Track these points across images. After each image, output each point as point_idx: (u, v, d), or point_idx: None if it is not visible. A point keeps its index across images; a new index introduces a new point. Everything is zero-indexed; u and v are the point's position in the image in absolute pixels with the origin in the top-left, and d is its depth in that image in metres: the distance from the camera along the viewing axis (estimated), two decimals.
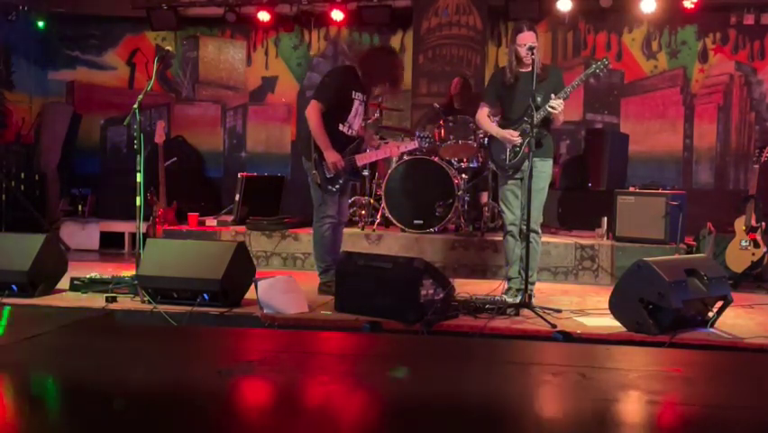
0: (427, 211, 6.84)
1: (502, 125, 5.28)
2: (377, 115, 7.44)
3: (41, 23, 9.86)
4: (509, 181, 5.25)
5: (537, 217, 5.17)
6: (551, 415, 2.83)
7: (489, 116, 5.36)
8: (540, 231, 5.28)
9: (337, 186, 5.50)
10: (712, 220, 6.53)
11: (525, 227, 5.07)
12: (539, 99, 4.98)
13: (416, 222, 6.88)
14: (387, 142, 6.39)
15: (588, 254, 6.46)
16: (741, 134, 8.63)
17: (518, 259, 5.21)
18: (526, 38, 5.04)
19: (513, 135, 5.13)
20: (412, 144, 5.87)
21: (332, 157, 5.37)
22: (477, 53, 8.69)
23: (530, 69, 5.01)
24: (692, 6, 8.29)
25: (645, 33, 8.80)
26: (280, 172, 8.80)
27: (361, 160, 5.60)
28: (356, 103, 5.47)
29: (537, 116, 4.96)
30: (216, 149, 9.96)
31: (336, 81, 5.48)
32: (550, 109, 4.96)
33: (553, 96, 4.98)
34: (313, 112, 5.37)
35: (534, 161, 5.01)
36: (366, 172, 7.33)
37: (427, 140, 5.96)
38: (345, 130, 5.48)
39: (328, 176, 5.44)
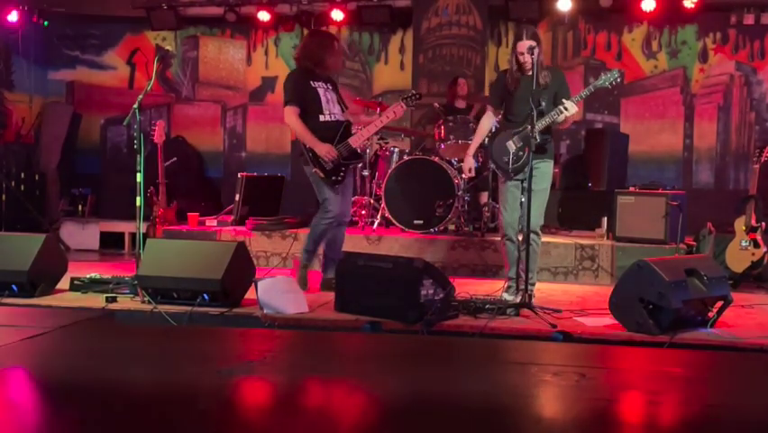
0: (427, 211, 6.84)
1: (505, 126, 5.30)
2: (377, 114, 7.42)
3: (41, 23, 9.84)
4: (510, 182, 5.25)
5: (537, 219, 5.16)
6: (551, 415, 2.83)
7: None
8: (540, 232, 5.28)
9: (341, 173, 5.59)
10: (712, 220, 6.52)
11: (524, 228, 5.06)
12: (543, 104, 4.99)
13: (416, 222, 6.88)
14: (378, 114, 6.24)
15: (588, 254, 6.46)
16: (741, 134, 8.63)
17: (518, 261, 5.20)
18: (525, 46, 5.06)
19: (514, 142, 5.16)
20: (399, 107, 5.63)
21: (323, 149, 5.48)
22: (477, 53, 8.69)
23: (530, 73, 5.01)
24: (692, 6, 8.29)
25: (645, 33, 8.79)
26: (280, 172, 8.79)
27: (355, 141, 5.65)
28: (321, 90, 5.61)
29: (543, 121, 4.97)
30: (216, 149, 9.95)
31: (292, 81, 5.64)
32: (563, 110, 4.95)
33: (564, 100, 4.98)
34: (290, 116, 5.53)
35: (536, 162, 5.02)
36: (366, 172, 7.33)
37: (413, 98, 5.73)
38: (328, 118, 5.61)
39: (328, 168, 5.53)
